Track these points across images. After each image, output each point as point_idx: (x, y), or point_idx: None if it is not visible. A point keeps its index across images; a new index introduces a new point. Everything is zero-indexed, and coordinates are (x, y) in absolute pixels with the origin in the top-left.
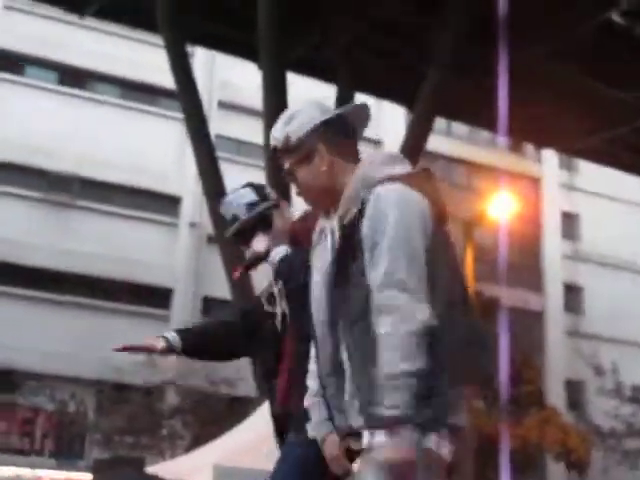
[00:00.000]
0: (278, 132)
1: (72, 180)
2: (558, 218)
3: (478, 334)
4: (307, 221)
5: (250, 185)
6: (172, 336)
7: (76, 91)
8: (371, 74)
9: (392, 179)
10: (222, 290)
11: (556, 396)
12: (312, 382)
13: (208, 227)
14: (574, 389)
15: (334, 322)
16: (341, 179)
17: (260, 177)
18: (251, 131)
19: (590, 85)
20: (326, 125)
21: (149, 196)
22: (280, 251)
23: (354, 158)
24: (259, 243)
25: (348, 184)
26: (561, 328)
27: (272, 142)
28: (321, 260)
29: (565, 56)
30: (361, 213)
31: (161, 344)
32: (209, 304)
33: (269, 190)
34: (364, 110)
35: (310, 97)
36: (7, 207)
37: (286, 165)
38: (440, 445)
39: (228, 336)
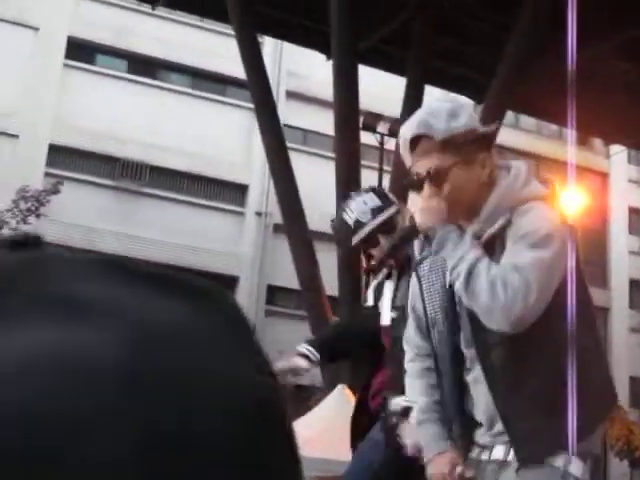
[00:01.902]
0: (442, 123)
1: (141, 168)
2: (625, 214)
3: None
4: None
5: (372, 190)
6: (308, 350)
7: (146, 80)
8: (441, 67)
9: (534, 197)
10: (286, 279)
11: (620, 393)
12: (423, 398)
13: (275, 216)
14: (638, 386)
15: (476, 342)
16: (483, 199)
17: (327, 167)
18: (318, 121)
19: None
20: (487, 137)
21: (217, 184)
22: None
23: (494, 176)
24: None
25: (489, 201)
26: (626, 325)
27: (421, 130)
28: (440, 273)
29: (635, 51)
30: (506, 229)
31: (303, 362)
32: (273, 293)
33: (391, 195)
34: (497, 131)
35: (378, 88)
36: (79, 193)
37: (435, 161)
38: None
39: (356, 340)
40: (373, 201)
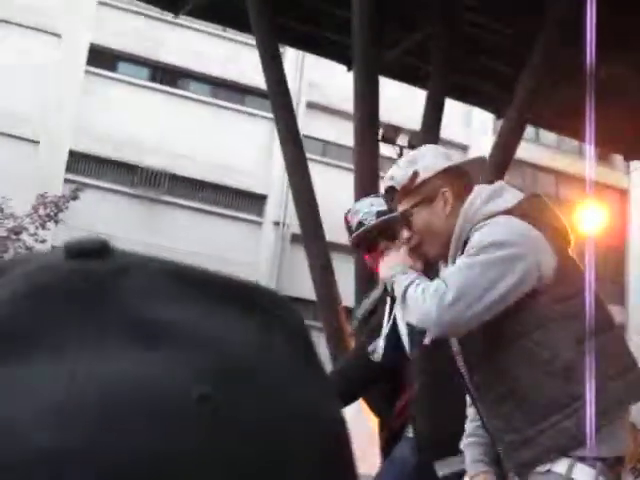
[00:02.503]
0: (401, 172)
1: (161, 176)
2: None
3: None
4: None
5: (382, 195)
6: None
7: (167, 88)
8: (461, 81)
9: (497, 214)
10: (304, 290)
11: (636, 411)
12: (470, 424)
13: (293, 226)
14: None
15: (464, 363)
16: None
17: (346, 179)
18: (338, 132)
19: None
20: (450, 171)
21: (235, 194)
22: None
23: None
24: (382, 270)
25: (455, 231)
26: None
27: (389, 182)
28: None
29: None
30: (465, 245)
31: None
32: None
33: None
34: (483, 163)
35: (399, 101)
36: (97, 201)
37: (403, 206)
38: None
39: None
40: (380, 205)
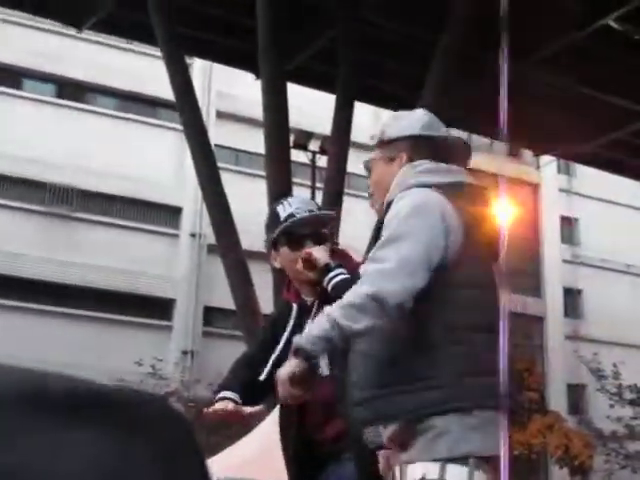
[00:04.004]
0: (382, 125)
1: (72, 192)
2: (557, 223)
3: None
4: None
5: (313, 198)
6: (228, 393)
7: (74, 103)
8: (369, 84)
9: (422, 185)
10: (223, 300)
11: (557, 401)
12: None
13: (209, 237)
14: (575, 393)
15: None
16: None
17: (260, 187)
18: (249, 141)
19: (587, 91)
20: (418, 139)
21: (149, 207)
22: (342, 273)
23: None
24: (320, 252)
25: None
26: (561, 333)
27: (376, 132)
28: None
29: (561, 63)
30: (381, 227)
31: (230, 406)
32: (210, 314)
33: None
34: (465, 148)
35: (308, 106)
36: (7, 220)
37: (370, 156)
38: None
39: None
40: (311, 203)
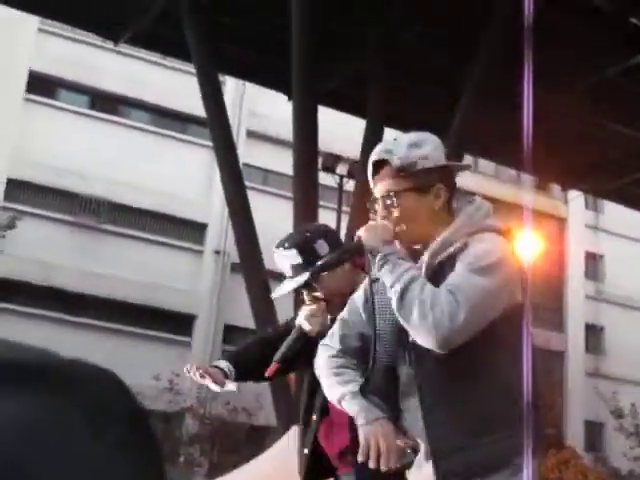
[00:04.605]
0: (402, 150)
1: (101, 204)
2: (582, 259)
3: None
4: None
5: (339, 222)
6: (223, 364)
7: (107, 116)
8: (400, 109)
9: (491, 230)
10: (244, 319)
11: (575, 437)
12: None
13: (233, 255)
14: (593, 430)
15: (416, 363)
16: (439, 226)
17: (286, 207)
18: (278, 161)
19: (617, 128)
20: (447, 168)
21: (175, 222)
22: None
23: (450, 209)
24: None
25: (451, 226)
26: (582, 369)
27: (383, 155)
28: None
29: (594, 98)
30: (458, 253)
31: (219, 376)
32: (230, 332)
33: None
34: (466, 168)
35: (338, 129)
36: (37, 229)
37: (390, 185)
38: None
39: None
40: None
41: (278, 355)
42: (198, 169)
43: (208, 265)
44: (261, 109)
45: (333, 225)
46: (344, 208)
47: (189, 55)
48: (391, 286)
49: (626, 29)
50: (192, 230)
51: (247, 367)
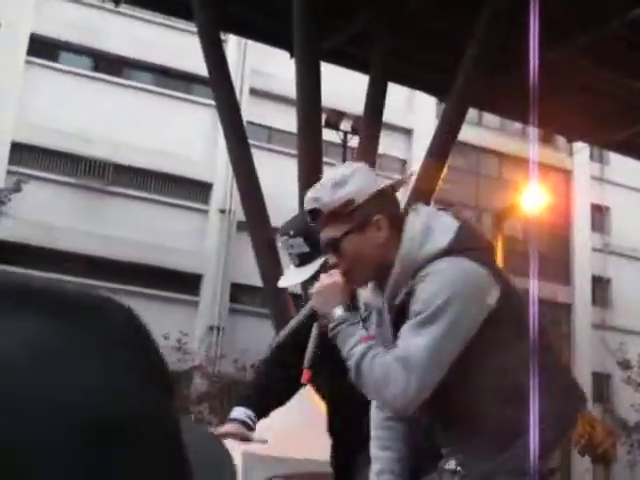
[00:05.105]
0: (329, 194)
1: (105, 166)
2: (588, 211)
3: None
4: None
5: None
6: (242, 414)
7: (110, 77)
8: (404, 65)
9: (437, 257)
10: (251, 277)
11: (583, 389)
12: (382, 457)
13: (238, 214)
14: (600, 382)
15: None
16: (391, 256)
17: (291, 164)
18: (282, 119)
19: (622, 79)
20: (381, 194)
21: (180, 182)
22: None
23: (400, 231)
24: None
25: (396, 262)
26: (589, 321)
27: (313, 204)
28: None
29: (598, 51)
30: (410, 297)
31: (239, 429)
32: (237, 291)
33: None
34: (404, 182)
35: (341, 86)
36: (42, 192)
37: (329, 232)
38: None
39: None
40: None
41: (308, 360)
42: (202, 129)
43: (214, 224)
44: (264, 67)
45: None
46: None
47: (191, 14)
48: (345, 359)
49: None
50: (197, 190)
51: (269, 402)
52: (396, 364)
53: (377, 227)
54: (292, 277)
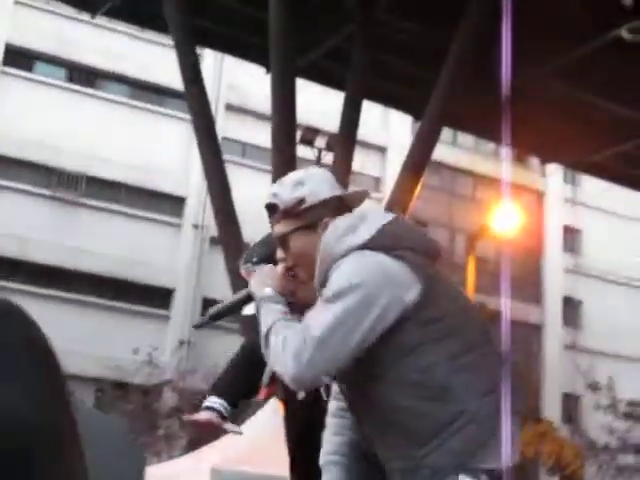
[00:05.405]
0: (286, 192)
1: (79, 178)
2: (560, 232)
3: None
4: None
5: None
6: (217, 403)
7: (85, 89)
8: (380, 83)
9: (351, 250)
10: (222, 292)
11: (552, 409)
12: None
13: (211, 229)
14: (570, 403)
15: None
16: None
17: (265, 180)
18: (257, 134)
19: (595, 101)
20: (334, 201)
21: (154, 196)
22: None
23: None
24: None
25: (317, 254)
26: (559, 342)
27: (272, 199)
28: None
29: (574, 73)
30: (325, 283)
31: (215, 417)
32: (209, 305)
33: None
34: (364, 196)
35: (316, 103)
36: (14, 203)
37: (280, 227)
38: None
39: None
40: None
41: (266, 378)
42: (177, 143)
43: (187, 239)
44: (239, 82)
45: None
46: None
47: (167, 28)
48: (261, 332)
49: (606, 4)
50: (171, 204)
51: (239, 391)
52: (295, 332)
53: (324, 228)
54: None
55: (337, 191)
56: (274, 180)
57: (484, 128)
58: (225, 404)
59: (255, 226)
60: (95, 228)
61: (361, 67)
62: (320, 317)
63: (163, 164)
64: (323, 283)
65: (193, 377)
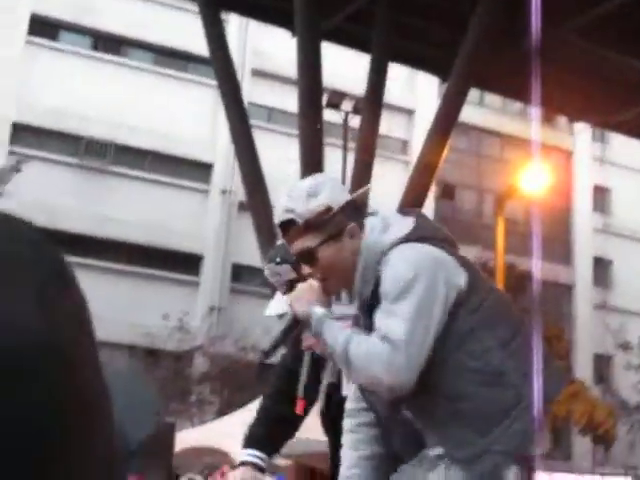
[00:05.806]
0: (302, 204)
1: (106, 146)
2: (589, 191)
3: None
4: None
5: (345, 158)
6: (253, 455)
7: (110, 57)
8: (405, 44)
9: (397, 243)
10: (251, 257)
11: (583, 370)
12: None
13: (239, 194)
14: (601, 363)
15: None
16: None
17: (292, 145)
18: (283, 99)
19: (624, 59)
20: (351, 204)
21: (181, 163)
22: None
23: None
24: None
25: (360, 257)
26: (590, 302)
27: (287, 215)
28: None
29: (599, 31)
30: (378, 280)
31: (255, 474)
32: (238, 271)
33: None
34: (368, 193)
35: (343, 66)
36: (42, 172)
37: (305, 242)
38: None
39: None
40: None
41: (300, 390)
42: (203, 109)
43: (215, 205)
44: (265, 47)
45: (339, 161)
46: (350, 144)
47: None
48: (331, 353)
49: None
50: (198, 170)
51: (275, 436)
52: (378, 342)
53: (350, 235)
54: (280, 305)
55: (347, 194)
56: (301, 144)
57: (511, 87)
58: (261, 455)
59: (282, 189)
60: (122, 196)
61: (386, 29)
62: (394, 321)
63: (189, 130)
64: (372, 282)
65: (223, 342)
